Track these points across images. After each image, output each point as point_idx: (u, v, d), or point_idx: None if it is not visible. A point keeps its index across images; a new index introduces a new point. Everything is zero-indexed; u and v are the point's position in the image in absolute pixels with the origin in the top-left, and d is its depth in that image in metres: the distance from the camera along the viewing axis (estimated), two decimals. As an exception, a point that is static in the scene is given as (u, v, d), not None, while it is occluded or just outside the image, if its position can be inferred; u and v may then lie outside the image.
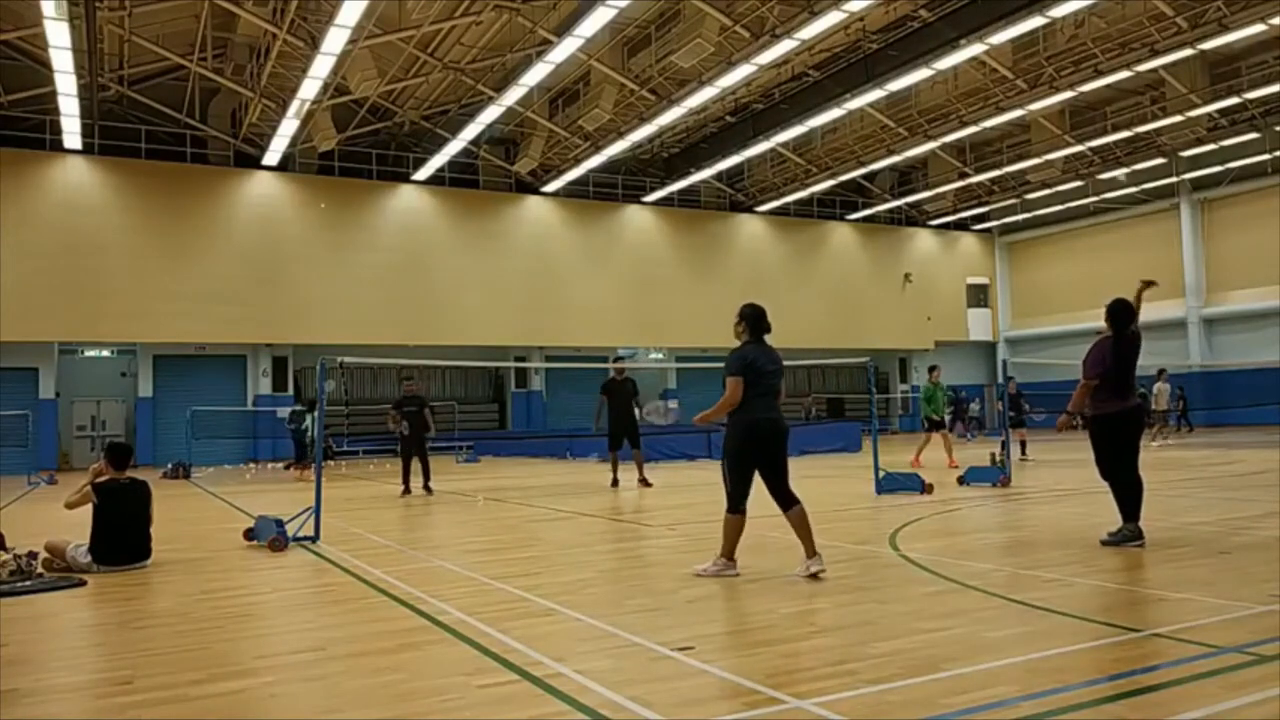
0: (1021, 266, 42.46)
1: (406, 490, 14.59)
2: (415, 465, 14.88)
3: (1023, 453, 17.86)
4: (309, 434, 19.94)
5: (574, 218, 34.12)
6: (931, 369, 17.79)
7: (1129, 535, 7.10)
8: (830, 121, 29.56)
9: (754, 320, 6.49)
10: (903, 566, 6.70)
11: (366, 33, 22.25)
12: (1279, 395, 27.69)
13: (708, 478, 15.72)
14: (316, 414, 20.55)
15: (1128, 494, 7.18)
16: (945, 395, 18.13)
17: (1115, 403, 7.23)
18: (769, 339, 6.55)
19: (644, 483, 14.45)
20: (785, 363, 6.61)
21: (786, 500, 6.31)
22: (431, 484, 14.79)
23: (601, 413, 14.75)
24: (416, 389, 15.64)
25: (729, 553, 6.37)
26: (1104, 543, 7.18)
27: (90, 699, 4.11)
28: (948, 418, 19.38)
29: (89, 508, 7.47)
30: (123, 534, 7.43)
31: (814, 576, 6.10)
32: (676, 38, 23.65)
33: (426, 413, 14.76)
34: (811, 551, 6.22)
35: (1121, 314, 7.28)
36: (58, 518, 7.67)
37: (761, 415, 6.29)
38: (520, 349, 33.45)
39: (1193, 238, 35.18)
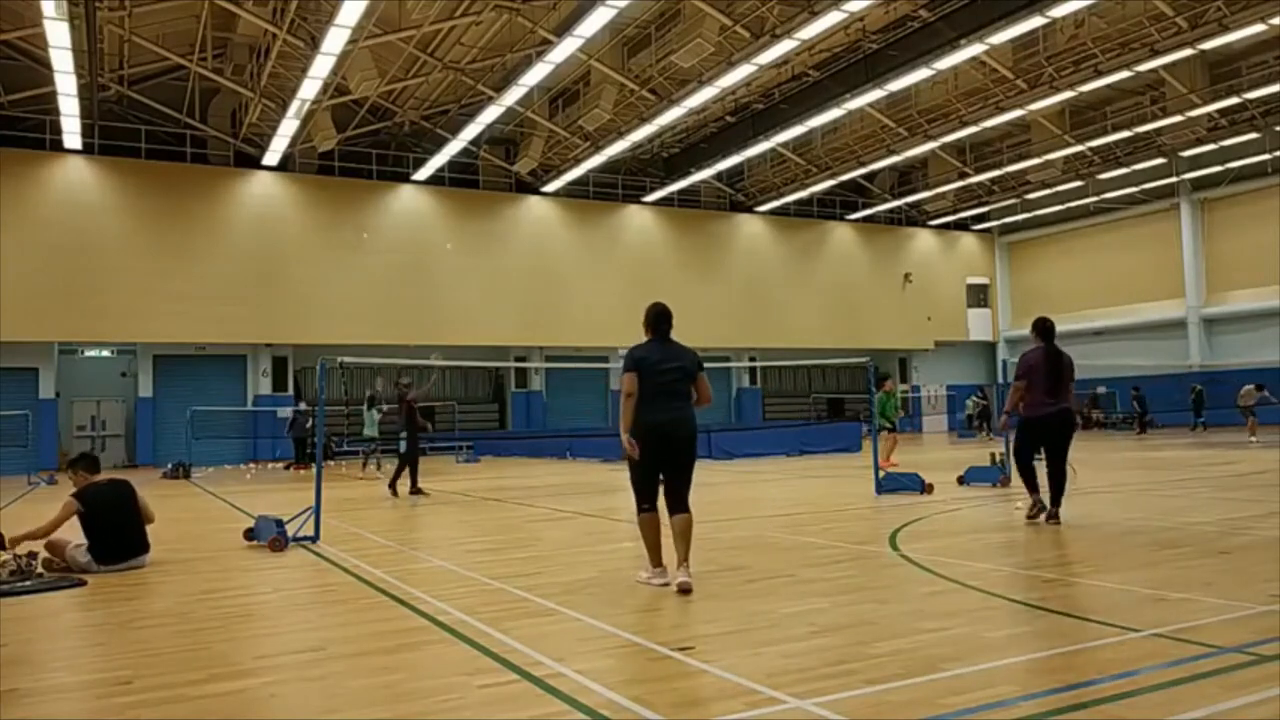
0: (1021, 266, 42.46)
1: (416, 490, 14.08)
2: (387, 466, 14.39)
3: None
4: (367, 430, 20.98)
5: (574, 218, 34.12)
6: (884, 379, 18.89)
7: (1035, 512, 8.51)
8: (830, 121, 29.56)
9: None
10: (903, 566, 6.70)
11: (366, 33, 22.25)
12: (1278, 395, 27.65)
13: (706, 478, 15.71)
14: (377, 410, 21.61)
15: (1052, 482, 8.42)
16: (896, 403, 19.07)
17: (1042, 406, 8.27)
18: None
19: None
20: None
21: None
22: (397, 487, 14.25)
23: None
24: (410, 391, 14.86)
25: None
26: (1029, 518, 8.55)
27: (90, 699, 4.11)
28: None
29: (75, 519, 7.41)
30: (116, 531, 7.43)
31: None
32: (676, 38, 23.65)
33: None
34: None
35: (1046, 329, 8.42)
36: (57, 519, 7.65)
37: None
38: (520, 349, 33.47)
39: (1193, 238, 35.17)
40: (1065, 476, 8.48)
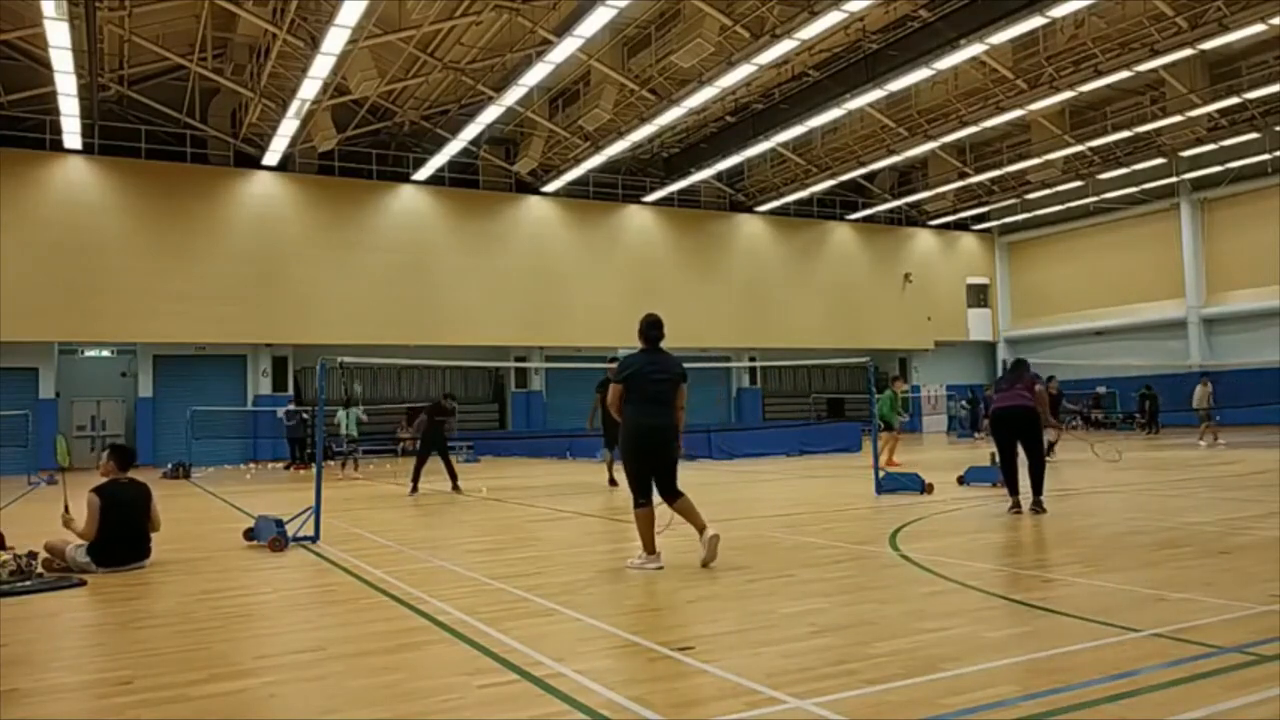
0: (1021, 266, 42.46)
1: (415, 489, 14.86)
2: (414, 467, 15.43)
3: (1050, 450, 17.14)
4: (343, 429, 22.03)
5: (574, 218, 34.12)
6: (895, 379, 19.36)
7: (1011, 512, 9.40)
8: (830, 121, 29.56)
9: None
10: (903, 566, 6.70)
11: (366, 33, 22.25)
12: (1279, 395, 27.65)
13: (706, 478, 15.71)
14: (354, 410, 22.61)
15: (1030, 474, 9.53)
16: (901, 401, 19.42)
17: (997, 405, 9.96)
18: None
19: None
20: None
21: None
22: (460, 483, 15.38)
23: (598, 412, 14.69)
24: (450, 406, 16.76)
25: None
26: (1009, 510, 9.45)
27: (90, 699, 4.10)
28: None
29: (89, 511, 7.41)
30: (121, 533, 7.41)
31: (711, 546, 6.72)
32: (676, 38, 23.66)
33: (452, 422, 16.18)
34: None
35: (1015, 362, 10.29)
36: (57, 518, 7.66)
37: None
38: (520, 349, 33.48)
39: (1193, 238, 35.18)
40: (1043, 470, 9.64)
